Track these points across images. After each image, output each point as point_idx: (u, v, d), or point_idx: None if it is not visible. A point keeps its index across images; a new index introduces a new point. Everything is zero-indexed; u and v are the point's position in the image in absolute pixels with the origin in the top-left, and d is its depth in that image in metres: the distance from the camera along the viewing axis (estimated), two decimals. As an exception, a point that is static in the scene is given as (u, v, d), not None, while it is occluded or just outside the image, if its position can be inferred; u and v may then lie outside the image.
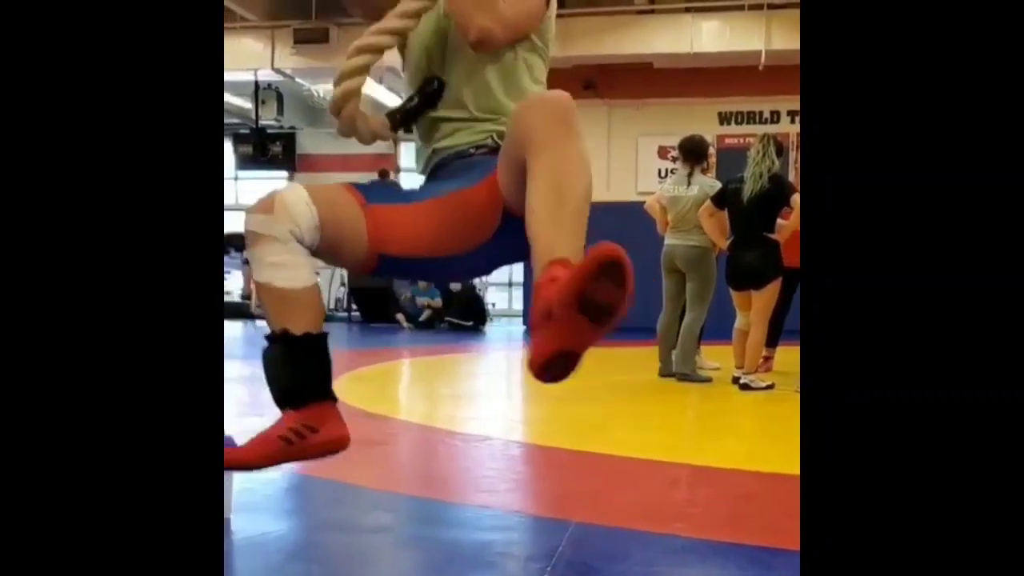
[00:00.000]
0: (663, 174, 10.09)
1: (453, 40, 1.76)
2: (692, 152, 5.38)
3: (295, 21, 9.47)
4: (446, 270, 1.85)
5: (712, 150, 6.14)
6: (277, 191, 1.58)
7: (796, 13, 8.59)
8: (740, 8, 8.87)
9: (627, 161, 10.43)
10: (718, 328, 5.65)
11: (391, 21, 1.70)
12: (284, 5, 9.66)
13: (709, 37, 9.08)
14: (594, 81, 10.00)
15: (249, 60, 9.84)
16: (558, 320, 1.26)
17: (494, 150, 1.70)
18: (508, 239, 1.59)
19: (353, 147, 12.43)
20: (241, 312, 11.45)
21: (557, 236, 1.37)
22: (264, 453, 1.57)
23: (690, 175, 5.32)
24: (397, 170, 13.72)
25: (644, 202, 5.75)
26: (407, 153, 14.20)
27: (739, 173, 4.98)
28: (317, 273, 1.62)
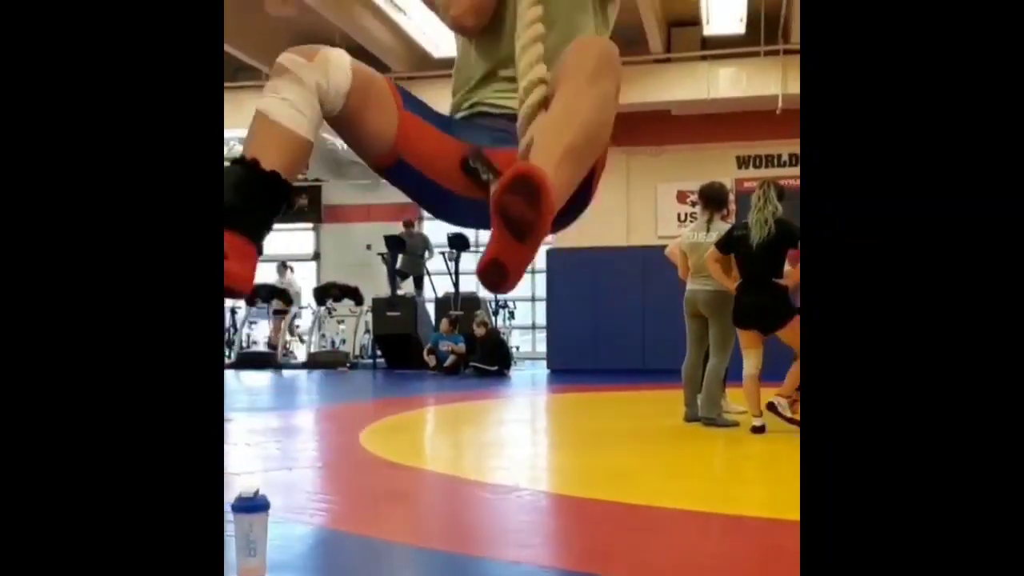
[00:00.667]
0: (683, 218, 10.17)
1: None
2: (712, 199, 5.46)
3: (320, 77, 9.70)
4: (454, 206, 1.77)
5: (731, 195, 6.21)
6: (325, 47, 1.53)
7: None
8: (756, 54, 8.99)
9: (647, 207, 10.54)
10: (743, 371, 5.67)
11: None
12: (309, 62, 9.90)
13: (726, 83, 9.21)
14: (613, 129, 10.14)
15: (275, 116, 10.07)
16: (493, 226, 1.30)
17: None
18: None
19: (377, 197, 12.69)
20: (268, 362, 11.57)
21: (543, 151, 1.35)
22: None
23: (709, 222, 5.38)
24: (421, 219, 13.92)
25: (664, 246, 5.82)
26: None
27: (748, 218, 5.02)
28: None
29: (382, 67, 9.62)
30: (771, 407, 4.78)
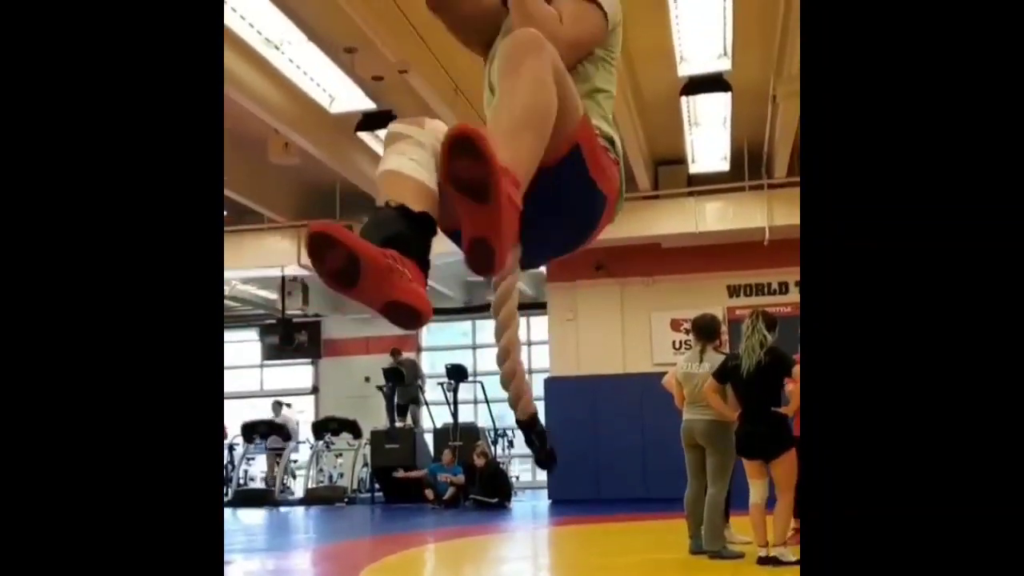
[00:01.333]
0: (678, 346, 10.32)
1: None
2: (703, 331, 5.62)
3: (320, 220, 9.99)
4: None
5: (724, 327, 6.39)
6: (427, 118, 1.61)
7: (795, 191, 9.08)
8: (741, 189, 9.36)
9: (641, 335, 10.70)
10: (747, 499, 5.69)
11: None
12: (310, 206, 10.25)
13: (713, 217, 9.55)
14: (604, 263, 10.44)
15: (277, 258, 10.35)
16: (457, 206, 1.32)
17: None
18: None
19: (375, 330, 12.87)
20: (265, 499, 11.47)
21: (492, 134, 1.36)
22: (369, 251, 1.30)
23: (702, 352, 5.53)
24: (418, 349, 14.06)
25: (660, 373, 5.96)
26: (428, 334, 14.58)
27: (738, 348, 5.18)
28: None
29: (381, 207, 9.94)
30: (774, 562, 4.74)
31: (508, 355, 1.63)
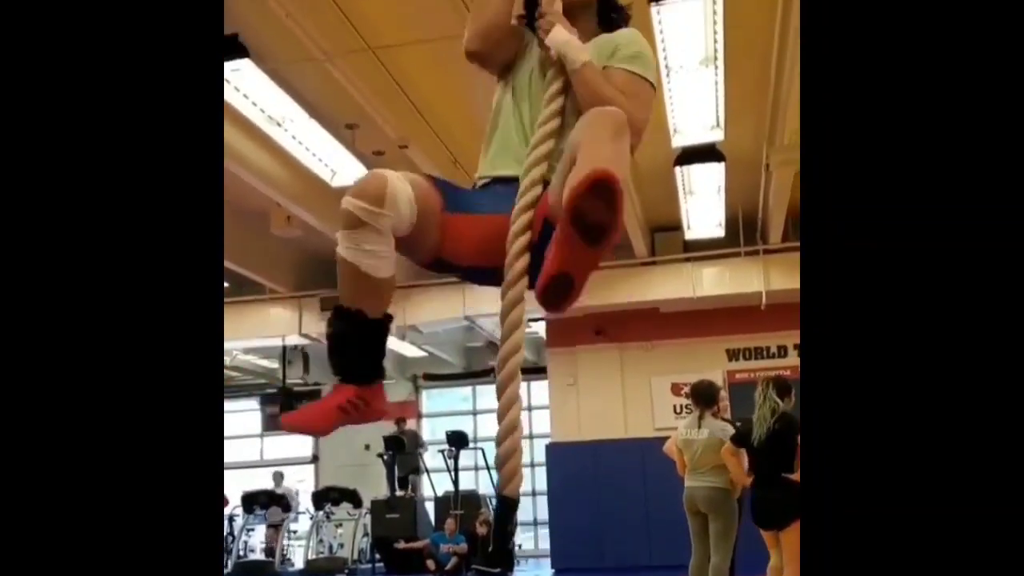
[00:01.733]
0: (678, 410, 10.31)
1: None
2: (701, 397, 5.66)
3: (322, 290, 10.08)
4: (486, 278, 1.84)
5: (724, 391, 6.42)
6: (388, 178, 1.60)
7: (791, 256, 9.17)
8: (737, 255, 9.47)
9: (642, 400, 10.70)
10: (753, 563, 5.66)
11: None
12: (311, 275, 10.33)
13: (710, 282, 9.64)
14: (604, 328, 10.50)
15: (278, 328, 10.41)
16: (558, 241, 1.37)
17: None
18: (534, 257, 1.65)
19: (375, 398, 12.85)
20: (265, 570, 11.32)
21: (597, 151, 1.44)
22: (326, 421, 1.67)
23: (700, 418, 5.55)
24: (419, 416, 14.02)
25: (661, 438, 5.97)
26: (428, 400, 14.56)
27: (752, 411, 5.20)
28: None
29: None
30: None
31: (512, 430, 1.64)
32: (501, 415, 1.63)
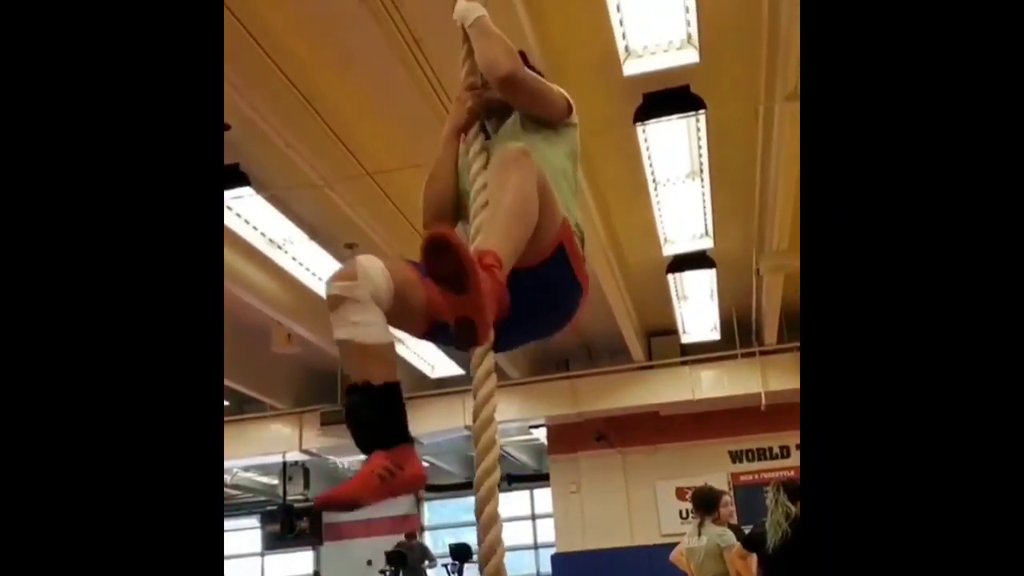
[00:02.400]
0: (684, 515, 10.18)
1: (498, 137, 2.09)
2: (700, 504, 5.63)
3: (321, 405, 10.09)
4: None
5: (728, 495, 6.39)
6: (357, 258, 1.74)
7: (788, 357, 9.26)
8: (734, 357, 9.54)
9: (647, 505, 10.59)
10: None
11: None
12: (311, 391, 10.36)
13: (708, 385, 9.67)
14: (605, 433, 10.47)
15: (278, 444, 10.37)
16: (441, 298, 1.49)
17: None
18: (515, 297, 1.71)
19: (375, 511, 12.66)
20: None
21: (487, 236, 1.62)
22: (365, 490, 1.65)
23: (701, 525, 5.51)
24: (422, 529, 13.80)
25: (668, 544, 5.90)
26: (430, 512, 14.36)
27: (760, 513, 5.13)
28: None
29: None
30: None
31: (493, 552, 1.64)
32: (481, 538, 1.65)
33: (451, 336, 1.62)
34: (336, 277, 1.72)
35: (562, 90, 2.10)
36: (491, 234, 1.62)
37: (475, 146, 2.01)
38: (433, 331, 1.85)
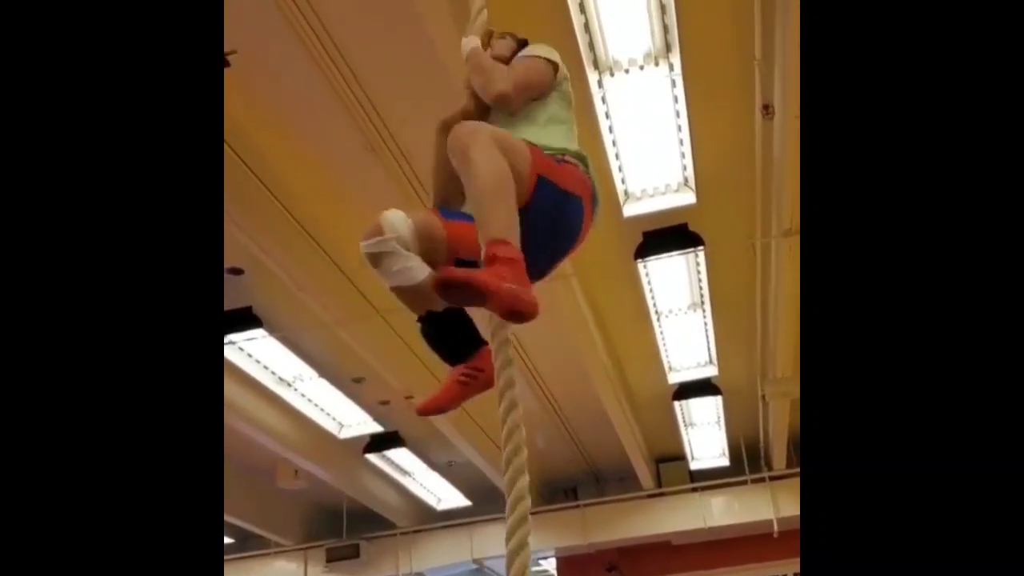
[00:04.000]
0: (701, 648, 9.87)
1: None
2: None
3: (327, 541, 9.93)
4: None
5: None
6: (382, 215, 1.96)
7: (798, 482, 9.15)
8: (744, 483, 9.46)
9: (662, 639, 10.26)
10: None
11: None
12: (316, 527, 10.21)
13: (719, 512, 9.53)
14: (616, 563, 10.25)
15: (283, 581, 10.16)
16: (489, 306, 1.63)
17: None
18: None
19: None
20: None
21: (482, 228, 1.72)
22: (448, 396, 2.01)
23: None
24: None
25: None
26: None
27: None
28: None
29: (386, 524, 9.95)
30: None
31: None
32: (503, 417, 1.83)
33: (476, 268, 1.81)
34: (366, 236, 1.95)
35: (545, 55, 2.22)
36: (484, 223, 1.73)
37: None
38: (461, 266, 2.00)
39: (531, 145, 1.96)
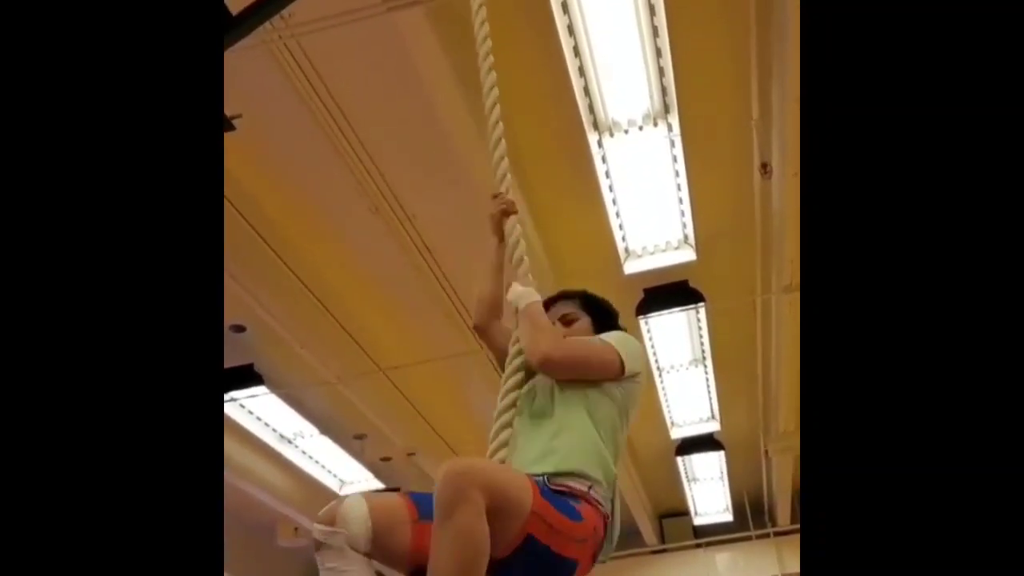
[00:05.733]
0: None
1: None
2: None
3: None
4: None
5: None
6: (343, 500, 1.80)
7: (800, 537, 9.07)
8: (748, 539, 9.35)
9: None
10: None
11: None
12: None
13: (724, 568, 9.41)
14: (621, 622, 10.09)
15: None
16: None
17: (540, 487, 1.80)
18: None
19: None
20: None
21: None
22: None
23: None
24: None
25: None
26: None
27: None
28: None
29: None
30: None
31: None
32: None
33: None
34: (319, 519, 1.80)
35: (617, 346, 2.05)
36: None
37: (516, 252, 2.20)
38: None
39: (536, 488, 1.76)
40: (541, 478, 1.84)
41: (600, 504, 1.89)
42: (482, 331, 2.31)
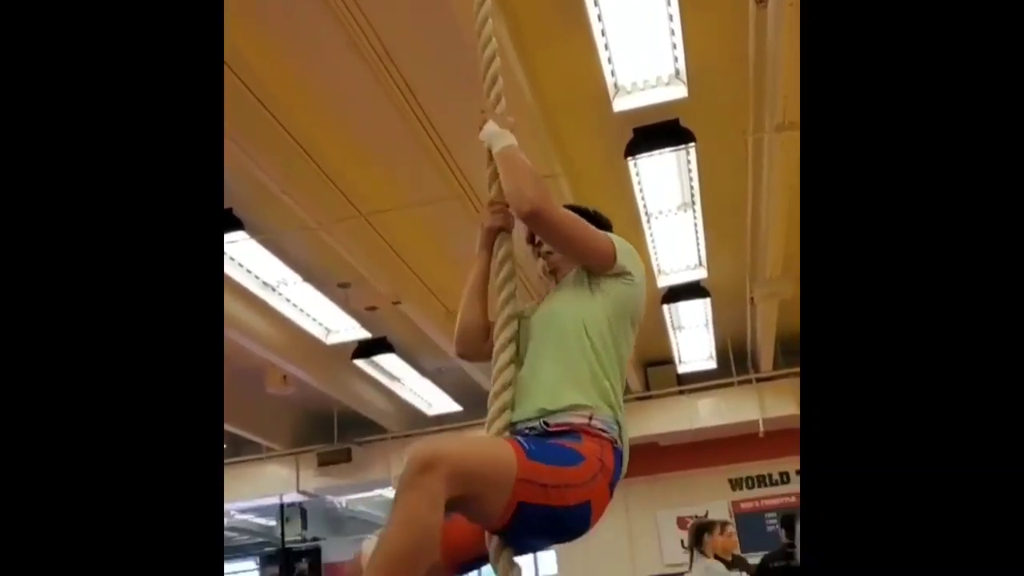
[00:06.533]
0: (686, 544, 10.10)
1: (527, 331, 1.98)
2: (690, 536, 5.67)
3: (318, 445, 10.02)
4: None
5: (731, 524, 6.41)
6: (361, 547, 1.80)
7: (784, 383, 9.25)
8: (730, 385, 9.54)
9: (649, 535, 10.50)
10: None
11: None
12: (308, 432, 10.30)
13: (706, 413, 9.65)
14: (605, 464, 10.41)
15: (275, 486, 10.29)
16: None
17: (540, 434, 1.78)
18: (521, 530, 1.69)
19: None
20: None
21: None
22: None
23: (692, 560, 5.54)
24: None
25: (671, 573, 5.87)
26: None
27: (761, 541, 5.16)
28: None
29: (377, 429, 10.04)
30: None
31: None
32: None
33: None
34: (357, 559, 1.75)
35: (613, 238, 1.97)
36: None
37: (503, 271, 2.00)
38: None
39: (520, 452, 1.65)
40: (539, 423, 1.79)
41: (604, 431, 1.79)
42: (468, 358, 2.17)
